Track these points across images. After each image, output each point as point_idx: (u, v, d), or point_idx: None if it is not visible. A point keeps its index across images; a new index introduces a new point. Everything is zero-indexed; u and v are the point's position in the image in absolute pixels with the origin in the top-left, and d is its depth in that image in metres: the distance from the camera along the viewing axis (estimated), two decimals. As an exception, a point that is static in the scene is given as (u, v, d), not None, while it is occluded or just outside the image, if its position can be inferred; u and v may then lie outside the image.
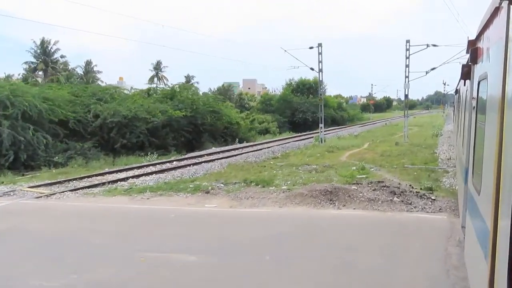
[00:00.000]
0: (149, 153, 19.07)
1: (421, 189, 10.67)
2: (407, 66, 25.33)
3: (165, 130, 22.56)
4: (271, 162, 17.75)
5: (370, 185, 10.97)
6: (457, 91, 15.25)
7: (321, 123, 25.78)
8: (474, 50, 4.37)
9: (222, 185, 11.46)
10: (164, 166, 16.78)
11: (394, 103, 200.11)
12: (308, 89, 47.41)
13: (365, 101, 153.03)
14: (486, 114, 3.19)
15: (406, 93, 25.91)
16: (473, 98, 4.83)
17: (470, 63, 5.02)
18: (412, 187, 10.87)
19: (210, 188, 10.91)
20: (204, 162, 17.34)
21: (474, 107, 4.67)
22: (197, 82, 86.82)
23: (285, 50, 25.66)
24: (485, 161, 3.16)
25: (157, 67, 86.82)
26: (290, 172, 14.50)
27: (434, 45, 24.69)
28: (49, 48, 54.41)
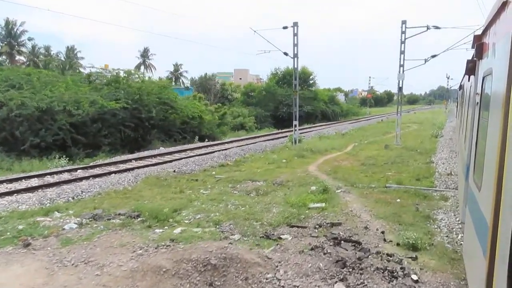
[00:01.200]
0: (57, 157, 14.67)
1: (398, 244, 6.23)
2: (402, 52, 20.72)
3: (96, 125, 18.09)
4: (212, 173, 13.33)
5: (313, 234, 6.57)
6: (461, 87, 14.88)
7: (295, 120, 21.20)
8: (479, 45, 4.29)
9: (75, 225, 7.02)
10: (36, 181, 11.72)
11: (396, 97, 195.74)
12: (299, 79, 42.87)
13: (366, 94, 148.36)
14: (490, 110, 3.17)
15: (400, 85, 21.35)
16: (477, 93, 4.76)
17: (475, 59, 4.89)
18: (384, 240, 6.45)
19: (39, 234, 6.48)
20: (115, 172, 12.88)
21: (477, 103, 4.56)
22: (186, 71, 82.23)
23: (255, 31, 21.06)
24: (486, 158, 3.12)
25: (144, 54, 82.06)
26: (220, 193, 10.09)
27: (436, 27, 20.03)
28: (14, 30, 49.71)
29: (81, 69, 74.01)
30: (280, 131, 30.73)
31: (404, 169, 14.10)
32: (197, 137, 23.02)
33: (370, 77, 61.09)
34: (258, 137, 25.82)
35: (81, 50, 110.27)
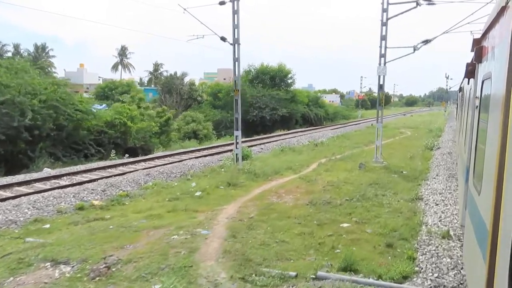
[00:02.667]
0: None
1: None
2: (383, 38, 15.28)
3: None
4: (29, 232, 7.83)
5: None
6: (460, 89, 15.04)
7: (237, 129, 15.65)
8: (479, 49, 4.35)
9: None
10: None
11: (396, 99, 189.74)
12: (271, 78, 37.31)
13: (364, 96, 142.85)
14: (489, 113, 3.16)
15: (381, 82, 15.86)
16: (476, 97, 4.77)
17: (474, 62, 5.01)
18: None
19: None
20: None
21: (477, 106, 4.59)
22: (166, 71, 76.90)
23: (185, 9, 15.63)
24: (486, 161, 3.11)
25: (122, 53, 76.79)
26: None
27: (430, 2, 14.60)
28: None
29: (52, 69, 69.23)
30: (246, 139, 25.32)
31: (373, 215, 8.67)
32: (114, 151, 17.43)
33: (362, 77, 55.45)
34: (205, 149, 20.39)
35: (53, 48, 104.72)
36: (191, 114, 28.05)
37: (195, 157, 17.11)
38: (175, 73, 42.65)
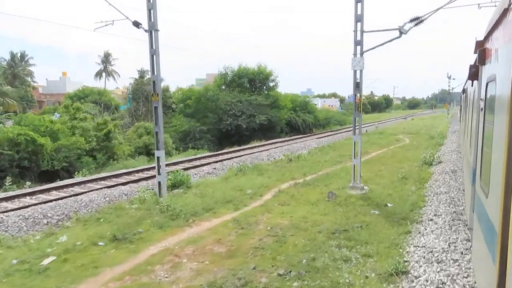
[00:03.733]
0: None
1: None
2: (358, 19, 11.16)
3: None
4: None
5: None
6: (464, 91, 14.83)
7: (158, 148, 11.42)
8: (482, 51, 4.35)
9: None
10: None
11: (398, 101, 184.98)
12: (250, 82, 33.30)
13: (366, 99, 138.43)
14: (495, 116, 3.12)
15: (358, 79, 11.66)
16: (481, 99, 4.72)
17: (478, 64, 4.97)
18: None
19: None
20: None
21: (482, 108, 4.54)
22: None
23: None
24: (493, 164, 3.07)
25: (106, 60, 73.23)
26: None
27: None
28: None
29: (29, 78, 65.77)
30: (212, 153, 21.20)
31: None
32: (9, 179, 13.18)
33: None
34: (139, 171, 16.10)
35: (33, 57, 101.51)
36: (145, 125, 24.02)
37: (110, 186, 12.93)
38: (142, 77, 38.88)
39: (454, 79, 58.64)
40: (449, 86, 56.00)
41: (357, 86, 11.52)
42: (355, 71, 11.41)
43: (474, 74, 5.37)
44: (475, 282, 4.74)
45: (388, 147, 24.31)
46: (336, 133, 34.44)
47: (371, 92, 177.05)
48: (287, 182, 13.27)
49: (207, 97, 28.87)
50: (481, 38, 4.54)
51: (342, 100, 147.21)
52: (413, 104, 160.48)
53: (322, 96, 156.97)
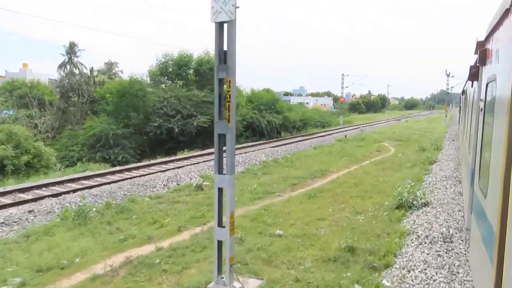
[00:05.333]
0: None
1: None
2: None
3: None
4: None
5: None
6: (463, 92, 14.89)
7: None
8: (482, 51, 4.34)
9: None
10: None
11: (395, 101, 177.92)
12: (197, 73, 26.70)
13: (355, 98, 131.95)
14: (494, 116, 3.11)
15: (226, 46, 5.41)
16: (480, 99, 4.73)
17: (478, 65, 4.97)
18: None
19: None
20: None
21: (481, 109, 4.53)
22: (121, 71, 66.48)
23: None
24: (492, 164, 3.06)
25: (71, 50, 66.43)
26: None
27: None
28: None
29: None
30: (97, 172, 14.58)
31: None
32: None
33: (343, 74, 44.60)
34: None
35: None
36: (6, 127, 17.33)
37: None
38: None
39: (453, 76, 52.13)
40: (447, 84, 49.55)
41: (224, 61, 4.99)
42: (218, 26, 4.88)
43: (474, 74, 5.41)
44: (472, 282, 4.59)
45: (361, 162, 17.89)
46: (305, 139, 27.91)
47: (369, 91, 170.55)
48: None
49: (130, 92, 22.23)
50: (482, 38, 4.54)
51: (336, 99, 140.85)
52: (410, 105, 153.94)
53: (316, 95, 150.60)
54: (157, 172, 13.60)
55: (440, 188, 10.64)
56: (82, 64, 68.61)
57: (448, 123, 48.05)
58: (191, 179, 13.44)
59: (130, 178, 12.36)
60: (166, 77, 26.29)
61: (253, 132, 28.88)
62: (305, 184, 12.87)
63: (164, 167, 14.68)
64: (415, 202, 9.25)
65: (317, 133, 32.89)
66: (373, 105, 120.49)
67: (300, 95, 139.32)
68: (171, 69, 26.01)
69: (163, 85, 24.41)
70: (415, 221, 8.00)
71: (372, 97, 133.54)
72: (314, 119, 40.99)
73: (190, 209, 9.75)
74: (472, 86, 7.11)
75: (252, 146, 22.08)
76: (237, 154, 18.41)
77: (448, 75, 47.64)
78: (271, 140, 26.04)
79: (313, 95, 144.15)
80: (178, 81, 26.76)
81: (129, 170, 13.79)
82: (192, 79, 27.24)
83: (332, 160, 18.39)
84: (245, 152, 19.15)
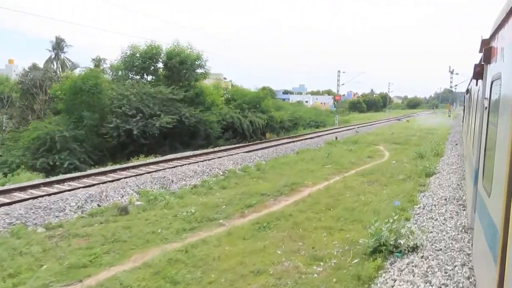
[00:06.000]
0: None
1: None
2: None
3: None
4: None
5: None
6: (468, 91, 14.54)
7: None
8: (487, 49, 4.29)
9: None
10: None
11: (398, 100, 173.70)
12: (166, 67, 23.72)
13: (355, 96, 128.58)
14: (499, 114, 3.09)
15: None
16: (485, 98, 4.72)
17: (482, 63, 4.93)
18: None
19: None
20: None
21: (486, 107, 4.53)
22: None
23: None
24: (496, 163, 3.02)
25: (58, 46, 63.92)
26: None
27: None
28: None
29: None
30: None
31: None
32: None
33: (339, 71, 41.59)
34: None
35: None
36: None
37: None
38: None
39: (457, 74, 48.98)
40: (451, 82, 46.46)
41: None
42: None
43: (478, 73, 5.36)
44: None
45: (347, 171, 15.07)
46: (294, 141, 24.99)
47: (371, 90, 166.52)
48: None
49: (82, 88, 19.30)
50: (487, 36, 4.48)
51: (334, 98, 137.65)
52: (413, 104, 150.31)
53: (316, 93, 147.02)
54: (76, 188, 10.74)
55: (436, 219, 7.75)
56: (70, 61, 66.37)
57: (451, 124, 44.94)
58: (122, 196, 10.62)
59: (33, 198, 9.52)
60: (134, 72, 23.47)
61: (234, 133, 26.01)
62: (264, 205, 10.05)
63: (88, 181, 11.73)
64: (400, 242, 6.40)
65: (307, 134, 29.96)
66: (374, 104, 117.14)
67: (300, 93, 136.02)
68: (137, 63, 23.05)
69: (128, 81, 21.62)
70: (393, 284, 5.14)
71: (374, 95, 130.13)
72: (306, 118, 37.97)
73: (82, 248, 6.96)
74: (476, 85, 7.04)
75: (222, 150, 19.20)
76: (197, 162, 15.61)
77: (451, 72, 44.53)
78: (249, 143, 23.17)
79: (313, 93, 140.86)
80: (147, 77, 23.98)
81: (35, 187, 10.85)
82: (162, 74, 24.38)
83: (312, 169, 15.56)
84: (209, 159, 16.28)
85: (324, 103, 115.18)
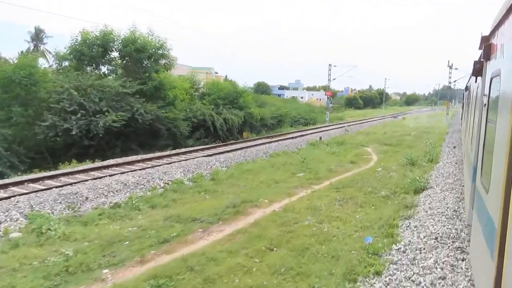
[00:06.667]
0: None
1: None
2: None
3: None
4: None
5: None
6: (467, 88, 14.54)
7: None
8: (487, 46, 4.29)
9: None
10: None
11: (397, 97, 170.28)
12: (124, 58, 20.61)
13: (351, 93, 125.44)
14: (498, 111, 3.09)
15: None
16: (484, 95, 4.68)
17: (482, 60, 4.95)
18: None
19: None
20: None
21: (485, 104, 4.45)
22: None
23: None
24: (495, 160, 3.03)
25: (36, 37, 60.74)
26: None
27: None
28: None
29: None
30: None
31: None
32: None
33: (330, 65, 38.69)
34: None
35: None
36: None
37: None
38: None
39: (456, 69, 46.09)
40: (450, 78, 43.59)
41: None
42: None
43: (478, 70, 5.37)
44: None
45: (320, 183, 12.35)
46: (271, 142, 22.16)
47: (370, 86, 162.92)
48: None
49: (12, 79, 16.35)
50: (487, 33, 4.46)
51: (334, 94, 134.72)
52: (411, 100, 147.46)
53: (312, 89, 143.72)
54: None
55: (419, 283, 4.95)
56: (50, 53, 63.16)
57: (449, 122, 42.15)
58: (-1, 224, 7.81)
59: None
60: (86, 62, 20.41)
61: (206, 132, 23.16)
62: (185, 239, 7.28)
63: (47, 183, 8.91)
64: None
65: (291, 133, 27.11)
66: (371, 100, 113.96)
67: (296, 89, 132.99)
68: (87, 51, 19.85)
69: (78, 73, 18.62)
70: None
71: (372, 91, 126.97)
72: (295, 115, 34.99)
73: None
74: (476, 82, 6.97)
75: (180, 154, 16.30)
76: (135, 170, 12.75)
77: (450, 67, 41.66)
78: (221, 144, 20.33)
79: (309, 89, 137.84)
80: (102, 68, 21.04)
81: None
82: (119, 65, 21.41)
83: (278, 179, 12.80)
84: (153, 166, 13.41)
85: (320, 99, 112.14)
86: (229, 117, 23.87)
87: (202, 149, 17.62)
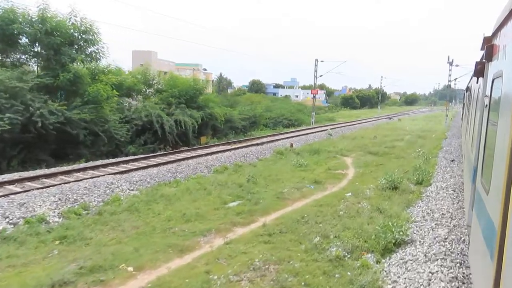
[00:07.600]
0: None
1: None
2: None
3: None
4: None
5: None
6: (468, 89, 14.49)
7: None
8: (489, 47, 4.29)
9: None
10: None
11: (396, 96, 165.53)
12: (36, 42, 16.17)
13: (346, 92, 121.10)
14: (499, 112, 3.07)
15: None
16: (485, 96, 4.68)
17: (484, 60, 4.93)
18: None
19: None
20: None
21: (486, 105, 4.48)
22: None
23: None
24: (495, 161, 3.01)
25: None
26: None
27: None
28: None
29: None
30: None
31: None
32: None
33: (317, 60, 34.78)
34: None
35: None
36: None
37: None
38: None
39: (457, 65, 41.85)
40: (449, 76, 39.42)
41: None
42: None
43: (479, 71, 5.32)
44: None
45: (244, 225, 8.27)
46: (227, 150, 18.01)
47: (369, 85, 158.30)
48: None
49: None
50: (489, 34, 4.45)
51: (330, 93, 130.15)
52: (410, 100, 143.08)
53: (309, 88, 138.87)
54: None
55: None
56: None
57: (449, 124, 38.00)
58: None
59: None
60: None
61: (154, 137, 19.04)
62: None
63: None
64: None
65: (260, 138, 22.92)
66: (368, 99, 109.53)
67: (291, 87, 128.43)
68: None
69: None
70: None
71: (370, 91, 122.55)
72: (267, 116, 30.61)
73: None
74: (477, 82, 7.06)
75: (62, 173, 11.63)
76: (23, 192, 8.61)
77: (451, 64, 37.47)
78: (163, 153, 16.17)
79: (305, 88, 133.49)
80: (10, 57, 16.72)
81: None
82: (31, 53, 17.10)
83: (195, 214, 8.74)
84: (4, 195, 9.22)
85: (316, 98, 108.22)
86: (181, 119, 19.69)
87: (118, 163, 13.41)
